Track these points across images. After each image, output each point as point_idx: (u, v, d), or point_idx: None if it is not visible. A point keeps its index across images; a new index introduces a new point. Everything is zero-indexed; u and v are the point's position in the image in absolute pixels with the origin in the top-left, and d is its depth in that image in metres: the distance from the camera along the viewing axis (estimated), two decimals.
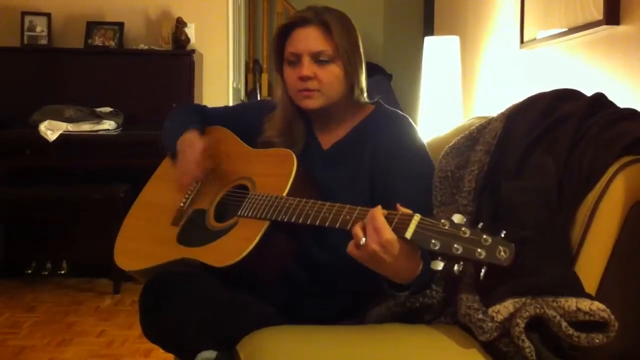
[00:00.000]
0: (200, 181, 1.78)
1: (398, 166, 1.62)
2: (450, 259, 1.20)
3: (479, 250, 1.17)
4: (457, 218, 1.22)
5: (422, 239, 1.23)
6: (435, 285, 1.50)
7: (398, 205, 1.30)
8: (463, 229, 1.20)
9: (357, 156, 1.69)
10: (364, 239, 1.28)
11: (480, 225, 1.20)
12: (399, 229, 1.26)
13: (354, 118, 1.75)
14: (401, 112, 1.76)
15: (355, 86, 1.69)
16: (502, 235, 1.18)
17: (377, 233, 1.27)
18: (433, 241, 1.21)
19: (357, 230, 1.30)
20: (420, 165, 1.66)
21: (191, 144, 1.77)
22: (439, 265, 1.21)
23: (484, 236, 1.18)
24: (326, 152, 1.75)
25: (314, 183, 1.66)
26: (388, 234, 1.26)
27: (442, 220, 1.22)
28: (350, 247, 1.32)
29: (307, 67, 1.64)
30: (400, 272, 1.34)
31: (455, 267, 1.20)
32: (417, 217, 1.26)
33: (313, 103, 1.67)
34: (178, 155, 1.80)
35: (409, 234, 1.25)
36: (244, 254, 1.49)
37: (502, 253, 1.16)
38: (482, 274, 1.18)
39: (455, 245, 1.19)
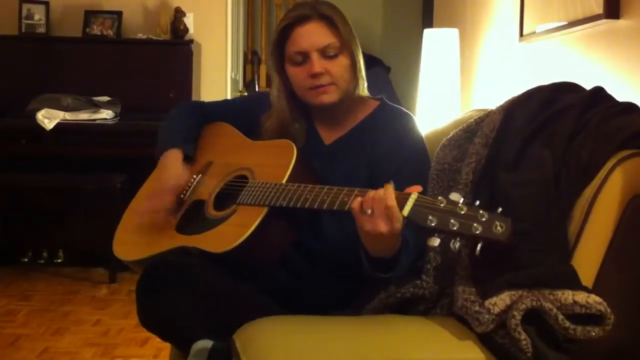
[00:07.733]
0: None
1: (396, 164, 1.62)
2: (446, 235, 1.20)
3: (475, 225, 1.18)
4: (454, 196, 1.23)
5: (419, 216, 1.23)
6: (425, 275, 1.51)
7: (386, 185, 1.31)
8: (460, 205, 1.20)
9: (357, 153, 1.69)
10: (370, 211, 1.28)
11: (477, 203, 1.21)
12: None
13: (357, 114, 1.74)
14: (405, 110, 1.75)
15: (358, 74, 1.68)
16: (499, 212, 1.18)
17: (387, 208, 1.27)
18: (430, 217, 1.22)
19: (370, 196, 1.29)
20: (419, 164, 1.66)
21: (166, 179, 1.74)
22: (436, 242, 1.22)
23: (481, 211, 1.18)
24: (327, 147, 1.74)
25: (312, 173, 1.65)
26: (397, 211, 1.26)
27: (440, 198, 1.23)
28: (355, 204, 1.32)
29: (317, 64, 1.62)
30: (386, 247, 1.35)
31: (452, 244, 1.20)
32: (414, 195, 1.27)
33: (329, 97, 1.65)
34: (159, 169, 1.78)
35: (406, 211, 1.26)
36: (242, 239, 1.50)
37: (499, 228, 1.17)
38: (478, 249, 1.18)
39: (452, 221, 1.19)
